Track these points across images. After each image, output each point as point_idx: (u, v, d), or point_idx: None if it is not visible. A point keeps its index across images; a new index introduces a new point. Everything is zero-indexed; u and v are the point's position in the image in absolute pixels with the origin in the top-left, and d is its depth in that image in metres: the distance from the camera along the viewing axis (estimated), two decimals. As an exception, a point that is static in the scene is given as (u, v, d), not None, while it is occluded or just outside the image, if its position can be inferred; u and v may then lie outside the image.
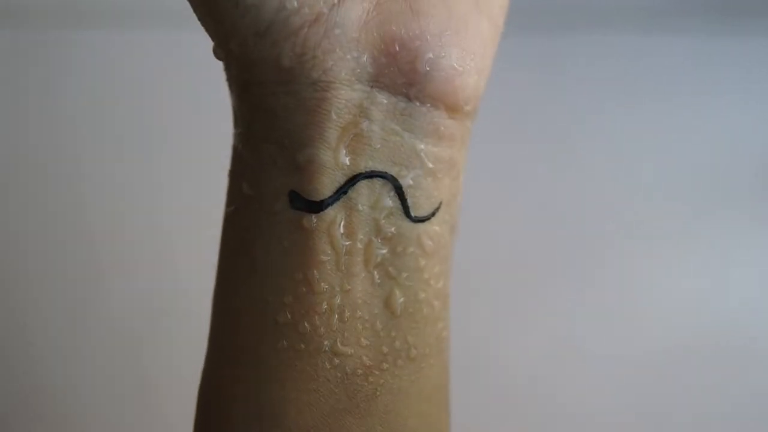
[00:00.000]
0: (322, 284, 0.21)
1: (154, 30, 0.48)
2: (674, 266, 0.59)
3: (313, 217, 0.21)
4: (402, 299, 0.22)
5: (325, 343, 0.21)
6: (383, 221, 0.21)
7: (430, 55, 0.20)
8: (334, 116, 0.20)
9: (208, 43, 0.21)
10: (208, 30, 0.21)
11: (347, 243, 0.21)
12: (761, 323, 0.59)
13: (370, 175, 0.21)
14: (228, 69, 0.21)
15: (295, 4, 0.19)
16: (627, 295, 0.59)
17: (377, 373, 0.21)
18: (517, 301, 0.59)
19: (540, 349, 0.59)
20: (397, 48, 0.20)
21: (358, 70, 0.20)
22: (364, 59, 0.20)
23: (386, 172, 0.21)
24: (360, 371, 0.21)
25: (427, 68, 0.20)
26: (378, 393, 0.21)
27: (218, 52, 0.21)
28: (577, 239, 0.59)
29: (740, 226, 0.59)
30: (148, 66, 0.54)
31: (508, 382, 0.58)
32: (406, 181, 0.21)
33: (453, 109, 0.21)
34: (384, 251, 0.21)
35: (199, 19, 0.21)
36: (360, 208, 0.21)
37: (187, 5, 0.21)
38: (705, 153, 0.60)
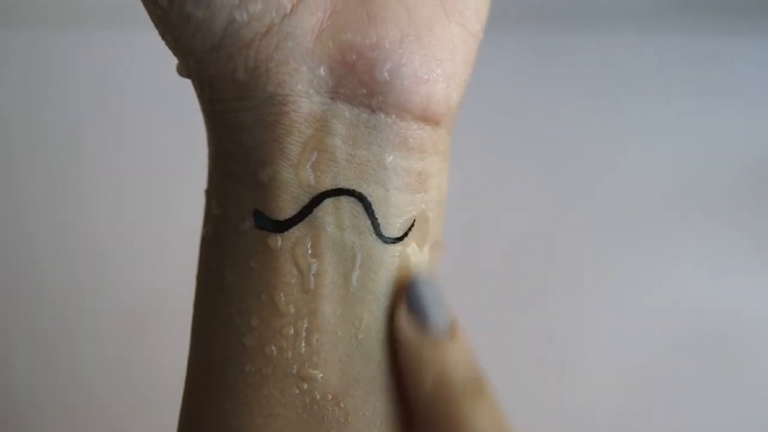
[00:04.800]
0: (289, 306, 0.20)
1: (152, 30, 0.49)
2: (674, 265, 0.58)
3: (278, 237, 0.20)
4: (375, 322, 0.20)
5: (293, 367, 0.20)
6: (352, 241, 0.20)
7: (390, 64, 0.19)
8: (294, 131, 0.19)
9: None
10: (169, 47, 0.20)
11: (315, 263, 0.20)
12: (760, 323, 0.58)
13: (337, 192, 0.20)
14: (194, 86, 0.21)
15: (245, 16, 0.19)
16: (623, 294, 0.59)
17: (348, 398, 0.20)
18: (515, 300, 0.59)
19: (537, 347, 0.58)
20: (354, 57, 0.19)
21: (316, 82, 0.19)
22: (321, 70, 0.19)
23: (353, 190, 0.20)
24: (330, 396, 0.20)
25: (387, 77, 0.19)
26: (350, 419, 0.20)
27: (181, 70, 0.21)
28: (574, 238, 0.59)
29: (740, 225, 0.58)
30: (148, 67, 0.54)
31: (505, 381, 0.58)
32: (375, 198, 0.20)
33: (421, 118, 0.20)
34: (355, 272, 0.20)
35: (161, 38, 0.20)
36: (327, 228, 0.20)
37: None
38: (704, 152, 0.58)
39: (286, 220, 0.20)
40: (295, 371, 0.20)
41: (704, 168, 0.58)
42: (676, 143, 0.59)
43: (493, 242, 0.58)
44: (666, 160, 0.58)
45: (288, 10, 0.19)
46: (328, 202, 0.20)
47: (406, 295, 0.20)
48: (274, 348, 0.20)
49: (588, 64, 0.59)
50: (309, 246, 0.20)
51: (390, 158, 0.20)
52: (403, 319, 0.20)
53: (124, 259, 0.58)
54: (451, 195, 0.22)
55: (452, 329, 0.20)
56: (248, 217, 0.20)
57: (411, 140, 0.20)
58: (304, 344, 0.20)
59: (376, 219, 0.20)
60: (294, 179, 0.19)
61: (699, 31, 0.57)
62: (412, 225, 0.20)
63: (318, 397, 0.20)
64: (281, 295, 0.20)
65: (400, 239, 0.20)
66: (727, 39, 0.57)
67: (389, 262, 0.20)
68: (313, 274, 0.20)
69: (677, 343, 0.57)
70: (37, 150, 0.59)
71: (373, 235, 0.20)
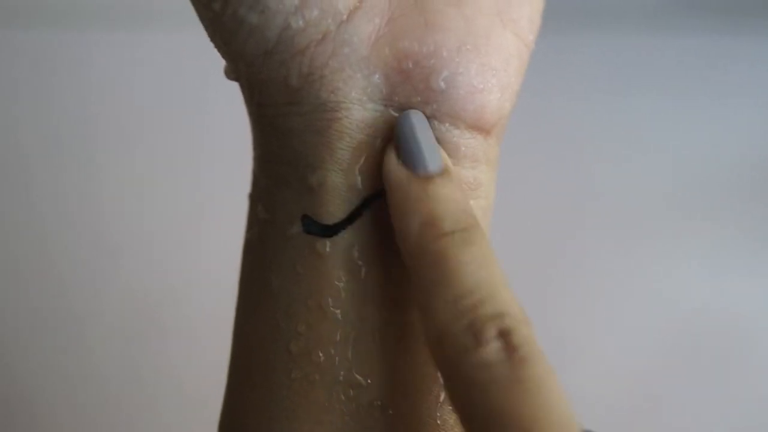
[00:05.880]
0: (337, 311, 0.20)
1: (155, 31, 0.49)
2: (676, 265, 0.59)
3: (327, 242, 0.20)
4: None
5: (341, 373, 0.20)
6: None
7: (446, 72, 0.19)
8: (345, 137, 0.19)
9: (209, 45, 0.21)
10: (218, 50, 0.20)
11: (364, 268, 0.20)
12: (762, 324, 0.58)
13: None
14: (242, 89, 0.21)
15: (300, 23, 0.18)
16: (624, 294, 0.59)
17: (395, 405, 0.20)
18: (516, 298, 0.60)
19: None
20: (411, 65, 0.19)
21: (370, 89, 0.19)
22: (376, 78, 0.19)
23: None
24: (378, 403, 0.20)
25: (443, 86, 0.19)
26: (397, 426, 0.20)
27: (229, 72, 0.21)
28: (577, 237, 0.59)
29: (743, 225, 0.58)
30: (148, 67, 0.54)
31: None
32: None
33: (474, 127, 0.20)
34: (407, 274, 0.20)
35: (210, 40, 0.20)
36: (376, 232, 0.20)
37: (188, 5, 0.20)
38: (709, 152, 0.58)
39: (334, 225, 0.20)
40: (342, 378, 0.20)
41: (708, 168, 0.58)
42: (680, 143, 0.59)
43: (495, 240, 0.59)
44: (670, 159, 0.59)
45: (345, 17, 0.19)
46: (377, 205, 0.20)
47: (395, 133, 0.19)
48: (321, 354, 0.20)
49: (592, 63, 0.59)
50: (358, 250, 0.20)
51: None
52: (392, 160, 0.19)
53: (137, 260, 0.58)
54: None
55: (445, 169, 0.19)
56: (296, 221, 0.20)
57: (463, 149, 0.20)
58: (351, 350, 0.20)
59: None
60: (344, 183, 0.19)
61: (705, 31, 0.58)
62: None
63: (365, 403, 0.20)
64: (329, 300, 0.20)
65: None
66: (734, 39, 0.57)
67: None
68: (363, 279, 0.20)
69: (679, 344, 0.58)
70: (50, 152, 0.59)
71: None
